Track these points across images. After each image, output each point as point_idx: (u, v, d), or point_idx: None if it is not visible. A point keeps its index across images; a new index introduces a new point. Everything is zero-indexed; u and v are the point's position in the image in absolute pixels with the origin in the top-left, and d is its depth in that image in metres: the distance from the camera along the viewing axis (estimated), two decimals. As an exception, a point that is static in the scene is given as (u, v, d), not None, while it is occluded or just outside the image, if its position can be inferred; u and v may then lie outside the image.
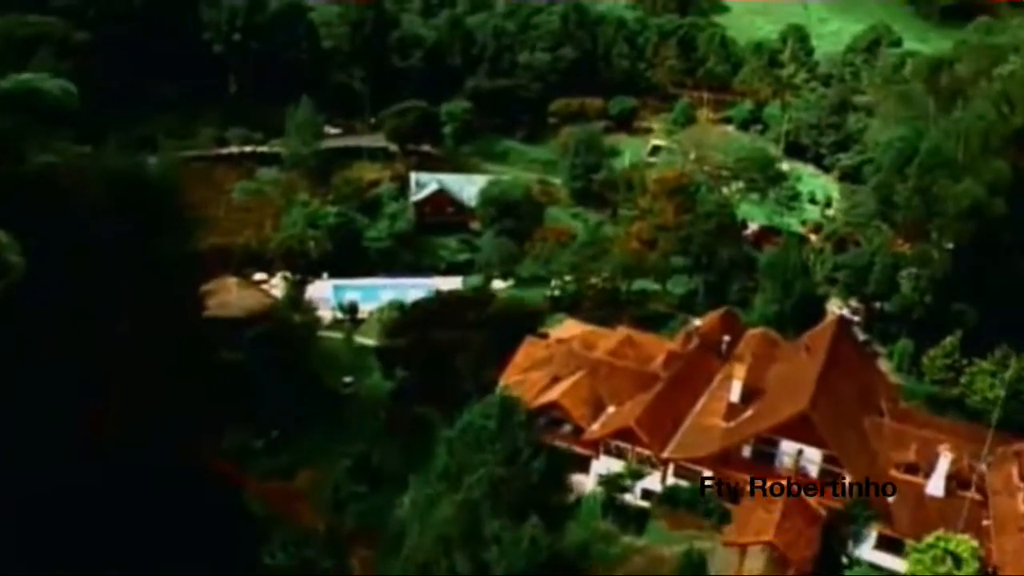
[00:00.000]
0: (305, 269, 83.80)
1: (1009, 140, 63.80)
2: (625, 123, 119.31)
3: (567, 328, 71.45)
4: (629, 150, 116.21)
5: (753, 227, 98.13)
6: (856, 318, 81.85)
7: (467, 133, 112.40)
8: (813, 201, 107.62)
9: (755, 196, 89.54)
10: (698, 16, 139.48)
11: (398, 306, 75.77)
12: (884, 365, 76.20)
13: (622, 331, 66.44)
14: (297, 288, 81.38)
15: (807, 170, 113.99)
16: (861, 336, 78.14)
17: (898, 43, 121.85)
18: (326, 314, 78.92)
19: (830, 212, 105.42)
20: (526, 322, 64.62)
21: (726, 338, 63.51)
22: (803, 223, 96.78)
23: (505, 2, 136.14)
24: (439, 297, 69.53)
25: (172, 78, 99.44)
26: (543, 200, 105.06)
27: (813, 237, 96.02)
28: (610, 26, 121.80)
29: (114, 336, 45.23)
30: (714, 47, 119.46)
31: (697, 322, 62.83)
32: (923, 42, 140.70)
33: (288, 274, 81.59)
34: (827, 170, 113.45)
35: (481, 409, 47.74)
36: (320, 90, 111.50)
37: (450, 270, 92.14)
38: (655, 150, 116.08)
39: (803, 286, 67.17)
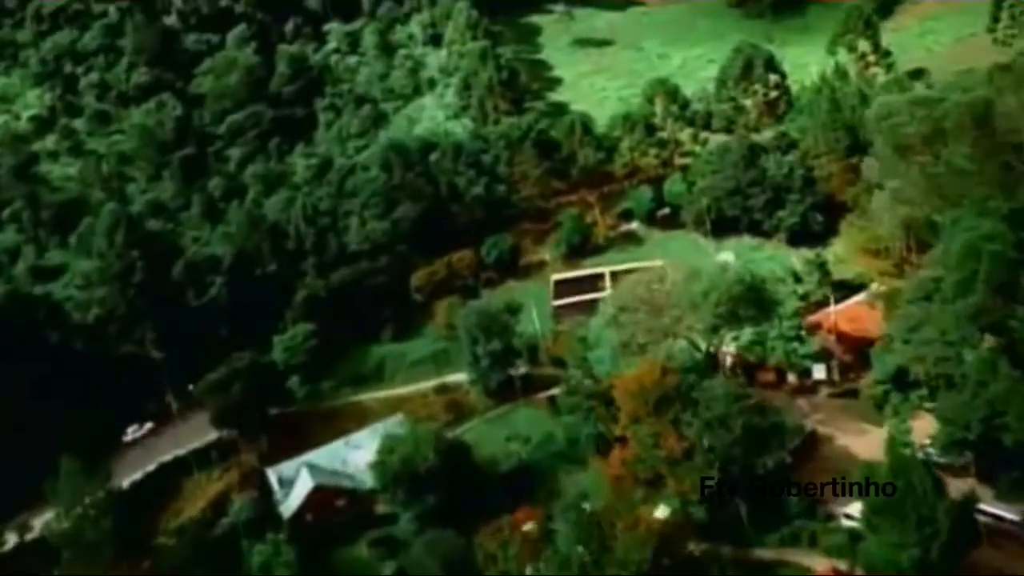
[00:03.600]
0: None
1: None
2: (509, 266, 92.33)
3: None
4: (530, 299, 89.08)
5: (728, 352, 72.19)
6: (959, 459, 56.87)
7: (320, 365, 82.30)
8: (780, 281, 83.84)
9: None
10: (533, 99, 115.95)
11: None
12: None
13: None
14: None
15: (747, 243, 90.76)
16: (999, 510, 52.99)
17: (771, 59, 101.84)
18: None
19: (803, 289, 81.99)
20: None
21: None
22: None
23: (304, 166, 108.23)
24: None
25: None
26: (452, 417, 76.65)
27: (815, 341, 70.82)
28: (445, 156, 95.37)
29: None
30: (576, 137, 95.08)
31: None
32: (769, 42, 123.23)
33: None
34: (767, 235, 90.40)
35: None
36: (97, 381, 79.32)
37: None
38: (560, 287, 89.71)
39: (948, 515, 41.21)
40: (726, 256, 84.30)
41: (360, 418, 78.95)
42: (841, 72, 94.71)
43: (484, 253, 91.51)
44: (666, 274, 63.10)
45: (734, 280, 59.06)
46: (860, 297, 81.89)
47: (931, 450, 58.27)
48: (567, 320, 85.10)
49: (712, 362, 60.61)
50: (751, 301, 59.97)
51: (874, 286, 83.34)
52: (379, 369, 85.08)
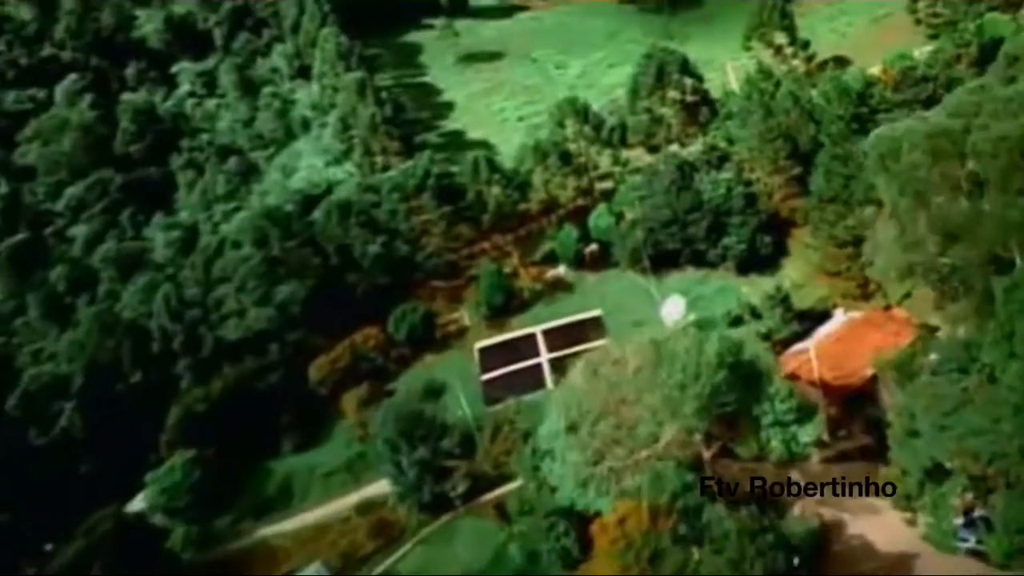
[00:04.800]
0: None
1: None
2: (424, 338, 78.47)
3: None
4: (454, 375, 75.70)
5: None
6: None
7: (209, 500, 66.80)
8: (738, 321, 73.57)
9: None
10: (424, 131, 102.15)
11: None
12: None
13: None
14: None
15: (692, 277, 79.93)
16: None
17: (685, 62, 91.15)
18: None
19: (764, 327, 72.05)
20: None
21: None
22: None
23: (165, 241, 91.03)
24: None
25: None
26: (381, 542, 63.05)
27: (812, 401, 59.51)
28: (330, 216, 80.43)
29: None
30: (483, 176, 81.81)
31: None
32: (670, 39, 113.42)
33: None
34: (713, 264, 79.82)
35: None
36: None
37: None
38: (487, 356, 76.77)
39: None
40: (674, 301, 73.31)
41: (269, 562, 64.29)
42: (766, 72, 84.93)
43: (392, 327, 77.40)
44: (624, 358, 50.87)
45: (715, 363, 47.35)
46: (829, 328, 72.69)
47: (966, 535, 48.72)
48: (502, 398, 72.78)
49: (697, 465, 48.92)
50: (737, 382, 48.52)
51: (839, 311, 74.79)
52: (285, 491, 69.98)
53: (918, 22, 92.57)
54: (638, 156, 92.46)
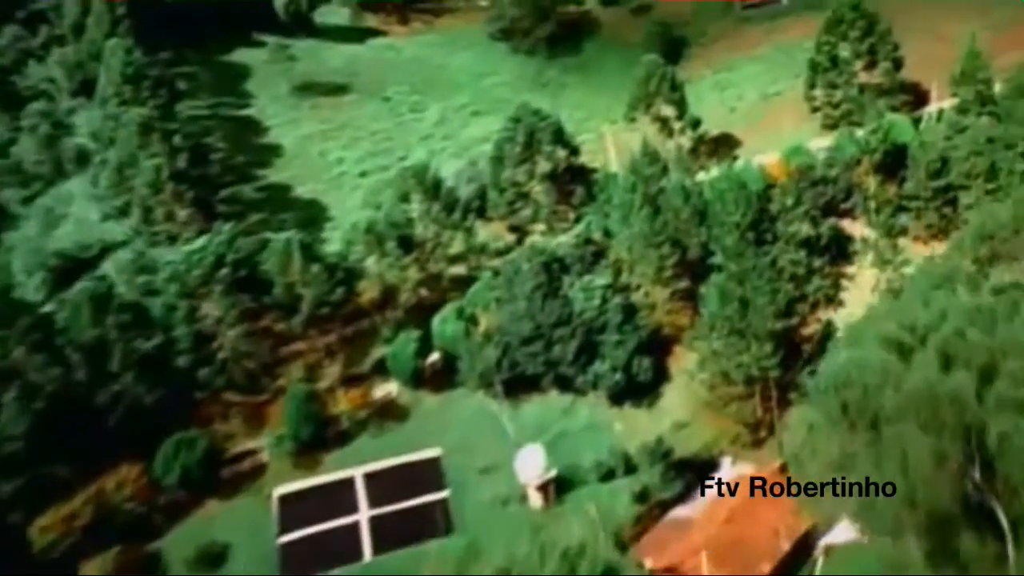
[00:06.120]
0: None
1: None
2: (206, 478, 59.13)
3: None
4: (242, 531, 57.08)
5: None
6: None
7: None
8: (610, 475, 59.65)
9: None
10: (238, 181, 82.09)
11: None
12: None
13: None
14: None
15: (555, 404, 65.03)
16: None
17: (559, 130, 76.28)
18: None
19: (640, 484, 58.54)
20: None
21: None
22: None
23: None
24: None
25: None
26: None
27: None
28: (79, 313, 59.23)
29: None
30: (296, 268, 63.17)
31: None
32: (542, 86, 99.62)
33: None
34: (580, 391, 65.20)
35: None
36: None
37: None
38: (289, 508, 58.77)
39: None
40: (532, 452, 58.09)
41: None
42: (652, 155, 71.46)
43: (159, 467, 57.83)
44: None
45: None
46: (715, 490, 59.75)
47: None
48: (304, 572, 55.36)
49: None
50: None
51: (727, 461, 62.27)
52: None
53: (815, 110, 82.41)
54: (498, 235, 77.31)
